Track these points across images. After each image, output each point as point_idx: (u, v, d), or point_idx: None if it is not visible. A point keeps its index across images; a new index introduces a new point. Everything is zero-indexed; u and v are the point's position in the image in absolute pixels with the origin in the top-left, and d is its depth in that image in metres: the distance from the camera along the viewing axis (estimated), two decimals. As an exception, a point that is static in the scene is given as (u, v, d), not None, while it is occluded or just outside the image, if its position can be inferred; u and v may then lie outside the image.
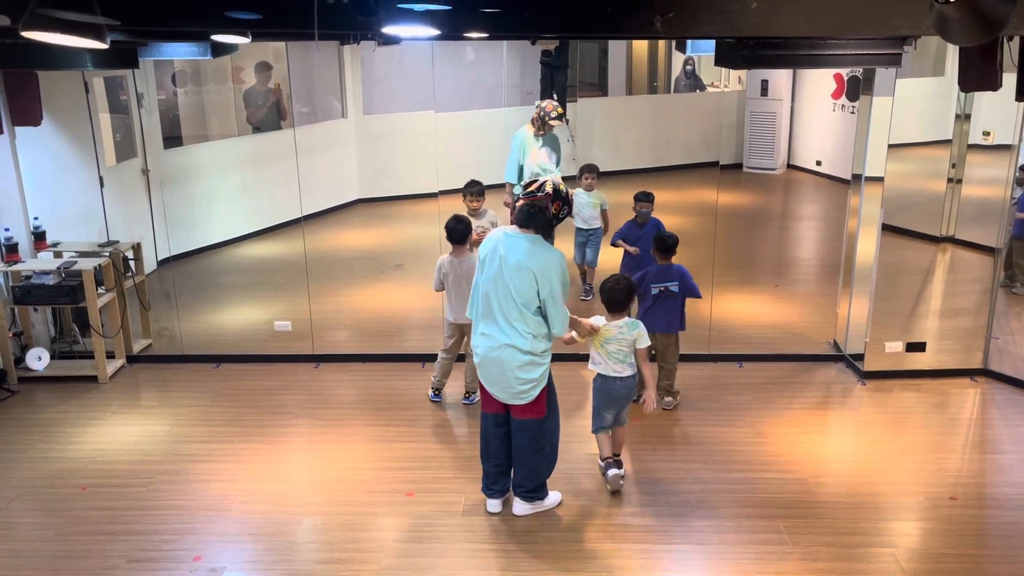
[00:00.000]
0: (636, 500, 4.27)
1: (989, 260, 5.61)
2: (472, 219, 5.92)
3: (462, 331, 5.22)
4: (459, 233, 5.15)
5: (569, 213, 4.11)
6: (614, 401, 4.30)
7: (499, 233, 3.99)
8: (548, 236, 4.01)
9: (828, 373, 5.81)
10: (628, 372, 4.25)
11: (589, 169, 6.74)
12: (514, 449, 4.09)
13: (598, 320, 4.26)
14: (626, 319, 4.25)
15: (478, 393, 5.35)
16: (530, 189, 3.96)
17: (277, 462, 4.70)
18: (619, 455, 4.44)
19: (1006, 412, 5.29)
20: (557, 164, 6.95)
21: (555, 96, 9.51)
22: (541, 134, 6.89)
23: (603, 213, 6.77)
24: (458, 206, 6.15)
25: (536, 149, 6.86)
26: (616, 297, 4.22)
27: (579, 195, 6.63)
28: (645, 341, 4.27)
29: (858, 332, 5.76)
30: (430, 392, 5.40)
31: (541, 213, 3.89)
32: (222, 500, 4.32)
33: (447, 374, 5.37)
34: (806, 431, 5.04)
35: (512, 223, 4.04)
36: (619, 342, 4.22)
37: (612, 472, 4.29)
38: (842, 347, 5.98)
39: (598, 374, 4.31)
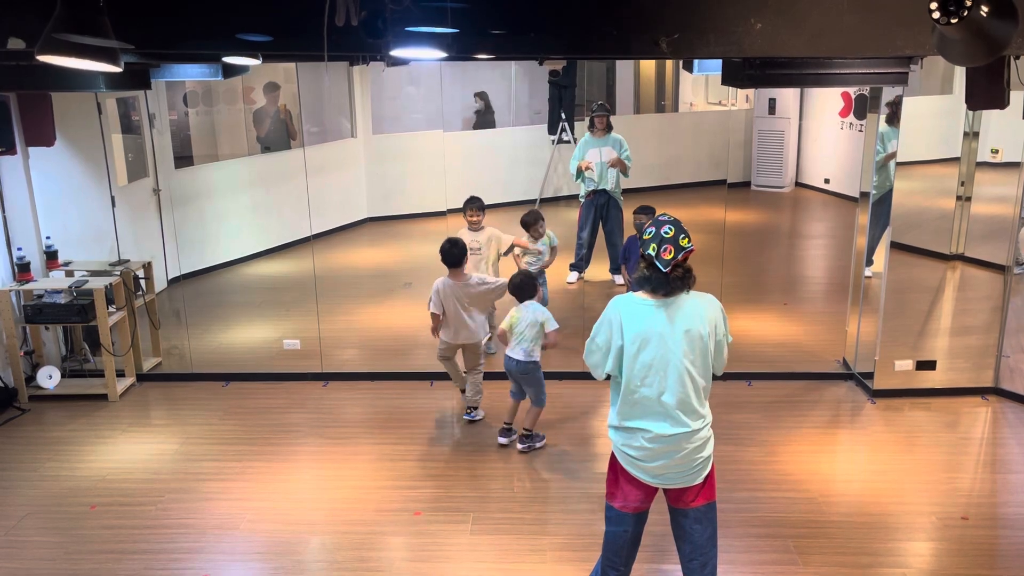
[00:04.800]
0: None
1: (999, 278, 5.59)
2: (471, 234, 6.01)
3: (458, 348, 5.27)
4: (454, 256, 5.08)
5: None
6: (511, 375, 5.00)
7: (636, 305, 3.19)
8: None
9: (838, 391, 5.78)
10: (519, 356, 4.87)
11: (535, 220, 6.28)
12: (691, 549, 3.37)
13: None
14: (527, 303, 4.91)
15: (480, 411, 5.35)
16: (666, 258, 3.12)
17: (286, 480, 4.71)
18: (509, 424, 5.06)
19: (1017, 431, 5.25)
20: (621, 170, 7.33)
21: (563, 115, 9.61)
22: (598, 135, 7.32)
23: (552, 250, 6.39)
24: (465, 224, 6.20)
25: (594, 149, 7.33)
26: (515, 289, 4.95)
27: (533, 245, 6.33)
28: (552, 324, 4.90)
29: (867, 350, 5.74)
30: (466, 414, 5.35)
31: (688, 275, 3.19)
32: (231, 519, 4.32)
33: (461, 376, 5.40)
34: (816, 450, 5.01)
35: (639, 289, 3.23)
36: (524, 325, 4.85)
37: (500, 439, 5.04)
38: (851, 365, 5.95)
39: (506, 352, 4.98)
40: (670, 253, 3.11)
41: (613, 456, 3.37)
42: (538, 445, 4.99)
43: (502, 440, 5.03)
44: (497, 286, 5.21)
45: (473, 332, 5.18)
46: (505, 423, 5.06)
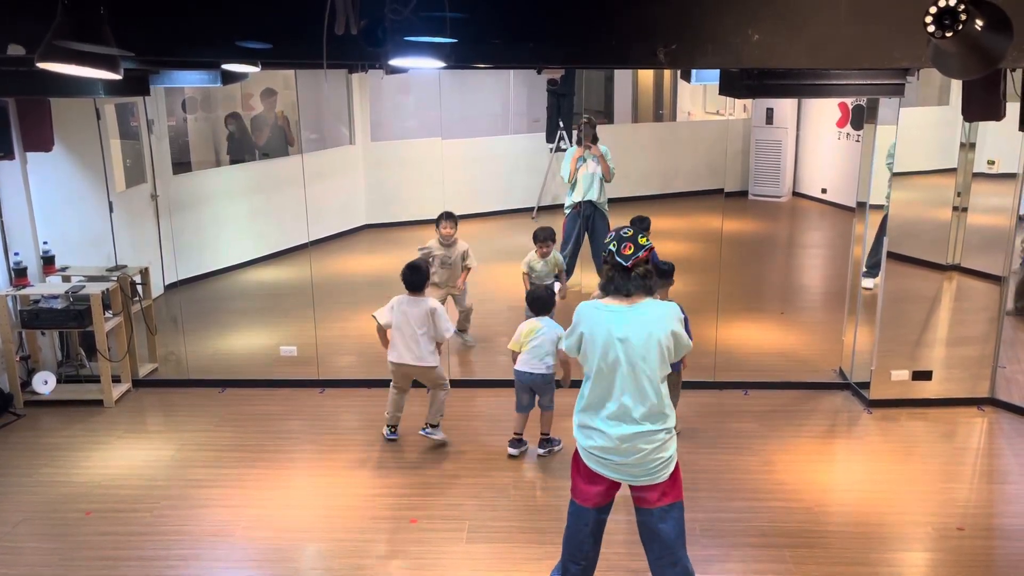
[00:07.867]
0: (641, 528, 4.24)
1: (995, 288, 5.60)
2: (443, 249, 6.09)
3: (404, 372, 5.04)
4: (414, 284, 4.94)
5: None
6: (526, 389, 4.97)
7: (599, 312, 3.33)
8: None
9: (834, 401, 5.79)
10: (542, 370, 4.88)
11: (546, 237, 6.31)
12: (659, 548, 3.42)
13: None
14: (545, 319, 4.94)
15: (440, 431, 5.14)
16: (626, 253, 3.30)
17: (281, 488, 4.70)
18: (520, 435, 5.03)
19: (1013, 442, 5.26)
20: (604, 173, 7.27)
21: (561, 123, 9.62)
22: (587, 147, 7.27)
23: (560, 275, 6.45)
24: (464, 231, 6.20)
25: (583, 162, 7.28)
26: (538, 301, 5.05)
27: (535, 263, 6.33)
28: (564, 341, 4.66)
29: (864, 360, 5.75)
30: (385, 430, 5.21)
31: (650, 275, 3.35)
32: (226, 526, 4.31)
33: (400, 408, 5.18)
34: (812, 460, 5.01)
35: (605, 294, 3.38)
36: (540, 339, 4.85)
37: (511, 450, 5.00)
38: (848, 375, 5.96)
39: (516, 368, 4.96)
40: (629, 249, 3.31)
41: (576, 453, 3.47)
42: (556, 448, 5.02)
43: (513, 451, 4.98)
44: (445, 328, 4.95)
45: (419, 356, 4.93)
46: (516, 434, 5.01)
